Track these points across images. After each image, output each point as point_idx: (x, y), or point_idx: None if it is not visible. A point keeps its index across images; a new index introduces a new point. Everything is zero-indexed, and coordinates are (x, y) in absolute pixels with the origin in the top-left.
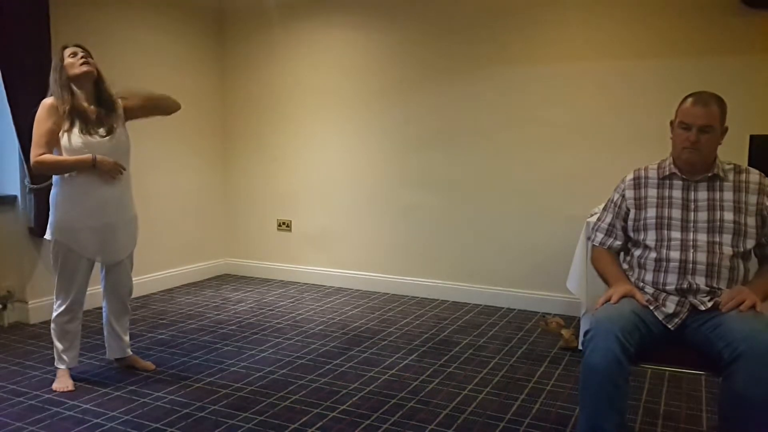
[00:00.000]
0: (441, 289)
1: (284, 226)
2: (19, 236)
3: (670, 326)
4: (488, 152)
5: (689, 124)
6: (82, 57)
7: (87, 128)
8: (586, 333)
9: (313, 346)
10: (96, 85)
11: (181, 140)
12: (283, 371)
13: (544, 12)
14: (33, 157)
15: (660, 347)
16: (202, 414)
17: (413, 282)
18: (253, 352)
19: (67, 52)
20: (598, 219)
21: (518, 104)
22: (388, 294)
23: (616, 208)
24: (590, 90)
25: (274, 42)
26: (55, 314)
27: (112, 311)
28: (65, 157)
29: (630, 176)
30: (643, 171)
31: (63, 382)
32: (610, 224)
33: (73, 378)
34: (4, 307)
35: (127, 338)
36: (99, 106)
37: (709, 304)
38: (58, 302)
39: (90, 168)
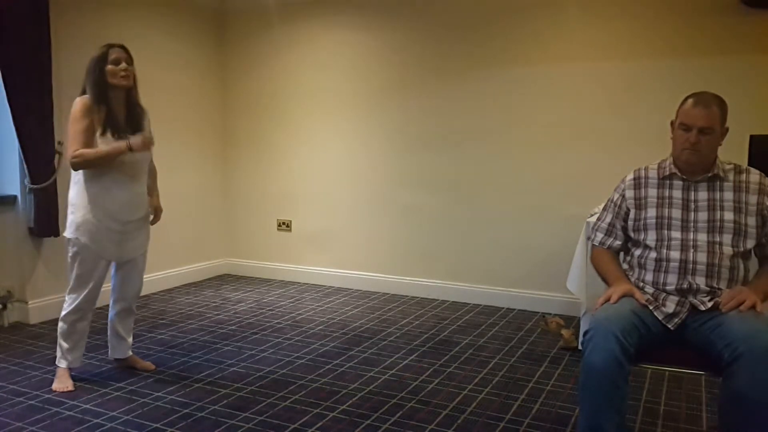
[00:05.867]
0: (441, 289)
1: (284, 226)
2: (19, 236)
3: (669, 326)
4: (488, 152)
5: (689, 125)
6: (124, 70)
7: (118, 133)
8: (585, 333)
9: (313, 346)
10: (128, 91)
11: (181, 140)
12: (283, 371)
13: (543, 12)
14: (71, 153)
15: (660, 347)
16: (202, 414)
17: (413, 282)
18: (253, 352)
19: (112, 56)
20: (598, 219)
21: (518, 104)
22: (388, 294)
23: (616, 208)
24: (590, 90)
25: (274, 42)
26: (64, 312)
27: (119, 311)
28: (101, 148)
29: (630, 176)
30: (643, 171)
31: (63, 382)
32: (610, 224)
33: (73, 378)
34: (4, 307)
35: (130, 339)
36: (128, 111)
37: (709, 305)
38: (69, 300)
39: (125, 155)
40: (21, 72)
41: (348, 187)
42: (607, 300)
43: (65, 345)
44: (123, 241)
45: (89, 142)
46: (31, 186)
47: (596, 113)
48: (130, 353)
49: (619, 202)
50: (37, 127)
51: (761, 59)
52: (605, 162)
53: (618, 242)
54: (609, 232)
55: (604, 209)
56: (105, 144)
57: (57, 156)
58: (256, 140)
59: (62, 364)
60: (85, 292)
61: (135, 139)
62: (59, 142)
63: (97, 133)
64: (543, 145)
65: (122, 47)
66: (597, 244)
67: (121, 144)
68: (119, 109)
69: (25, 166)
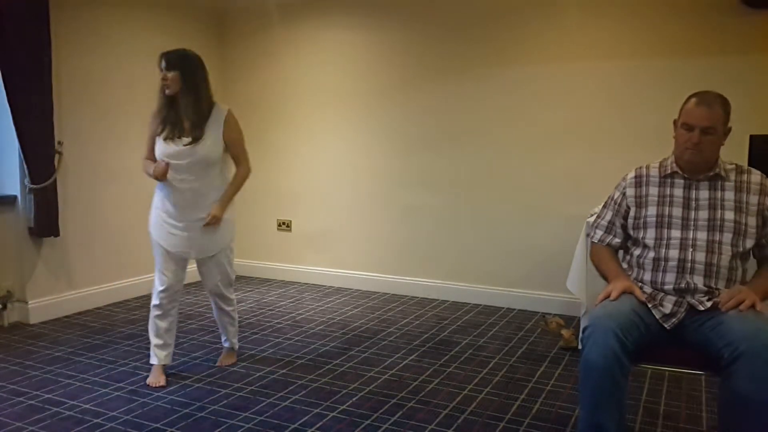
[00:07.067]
0: (441, 289)
1: (284, 226)
2: (19, 236)
3: (666, 326)
4: (488, 152)
5: (692, 125)
6: (163, 79)
7: (172, 135)
8: (584, 330)
9: (313, 346)
10: (181, 97)
11: None
12: (283, 371)
13: (543, 12)
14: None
15: (659, 346)
16: (202, 414)
17: (413, 282)
18: (253, 352)
19: (158, 66)
20: (598, 216)
21: (518, 104)
22: (388, 294)
23: (617, 206)
24: (590, 90)
25: (274, 42)
26: (152, 305)
27: (213, 302)
28: (148, 166)
29: (631, 174)
30: (644, 169)
31: (155, 376)
32: (609, 222)
33: (72, 378)
34: (4, 307)
35: (224, 335)
36: (189, 114)
37: (708, 305)
38: (153, 295)
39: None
40: (21, 72)
41: (348, 187)
42: (607, 296)
43: (153, 341)
44: (191, 239)
45: (152, 147)
46: (31, 186)
47: (596, 113)
48: (227, 345)
49: (619, 200)
50: (37, 127)
51: (761, 59)
52: (605, 162)
53: (617, 240)
54: (608, 230)
55: (604, 207)
56: (164, 143)
57: (57, 156)
58: (256, 140)
59: (153, 361)
60: (161, 286)
61: (155, 172)
62: (59, 142)
63: (159, 134)
64: (543, 145)
65: (163, 56)
66: (596, 241)
67: (150, 171)
68: (174, 112)
69: (25, 166)
